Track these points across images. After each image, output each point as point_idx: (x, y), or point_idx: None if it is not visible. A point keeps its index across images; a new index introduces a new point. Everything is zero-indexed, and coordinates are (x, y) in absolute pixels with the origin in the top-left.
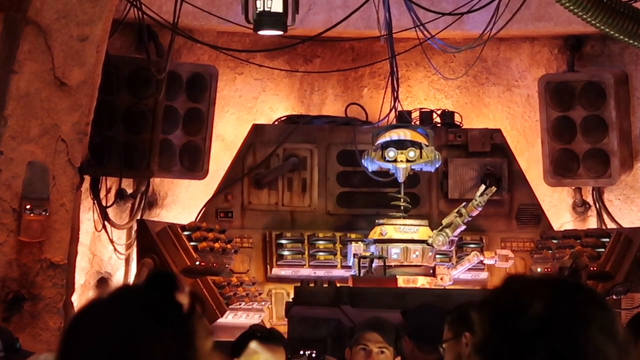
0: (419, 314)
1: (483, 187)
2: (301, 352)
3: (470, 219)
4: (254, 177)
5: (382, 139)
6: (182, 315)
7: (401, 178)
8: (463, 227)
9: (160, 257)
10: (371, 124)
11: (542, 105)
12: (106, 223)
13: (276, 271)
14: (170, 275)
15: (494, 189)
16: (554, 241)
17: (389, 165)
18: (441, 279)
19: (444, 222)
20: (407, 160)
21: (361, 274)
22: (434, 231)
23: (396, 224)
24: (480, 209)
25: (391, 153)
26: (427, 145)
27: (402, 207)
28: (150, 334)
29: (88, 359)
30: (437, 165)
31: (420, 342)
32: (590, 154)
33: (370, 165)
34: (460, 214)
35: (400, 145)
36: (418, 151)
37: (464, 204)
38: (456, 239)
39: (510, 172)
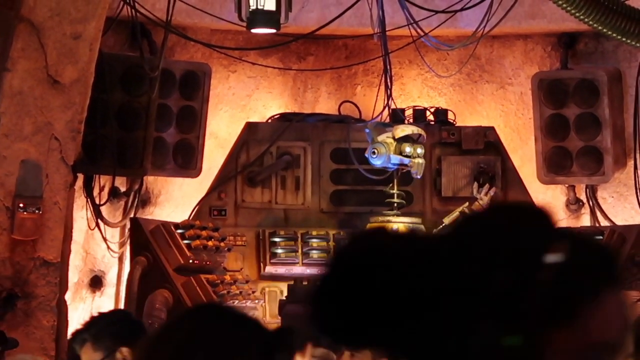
0: None
1: (476, 184)
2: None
3: None
4: (248, 175)
5: (402, 133)
6: None
7: (419, 174)
8: None
9: (154, 255)
10: (365, 121)
11: (536, 102)
12: (99, 221)
13: (269, 269)
14: (303, 336)
15: (495, 188)
16: None
17: (406, 161)
18: None
19: (446, 220)
20: (419, 156)
21: None
22: (434, 230)
23: (405, 222)
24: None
25: (408, 148)
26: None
27: (395, 205)
28: None
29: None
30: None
31: None
32: (583, 152)
33: (381, 161)
34: (464, 214)
35: (411, 140)
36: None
37: (466, 203)
38: None
39: (504, 170)
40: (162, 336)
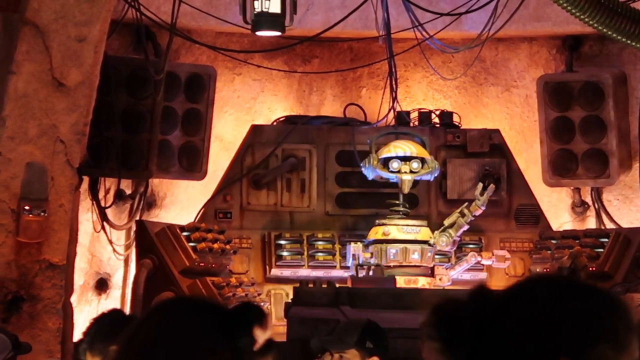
0: None
1: (481, 185)
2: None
3: (473, 218)
4: (253, 177)
5: (386, 154)
6: (251, 349)
7: (406, 190)
8: (466, 227)
9: (159, 258)
10: (370, 124)
11: (541, 105)
12: (105, 224)
13: (275, 272)
14: (259, 310)
15: (493, 186)
16: (553, 241)
17: (392, 176)
18: (440, 279)
19: (446, 222)
20: (411, 171)
21: (360, 275)
22: (436, 232)
23: (399, 224)
24: (484, 207)
25: (395, 164)
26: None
27: (400, 211)
28: (214, 352)
29: (147, 354)
30: (436, 175)
31: None
32: (589, 154)
33: (371, 173)
34: (463, 214)
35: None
36: (421, 162)
37: (465, 204)
38: (459, 239)
39: (509, 173)
40: (126, 343)
